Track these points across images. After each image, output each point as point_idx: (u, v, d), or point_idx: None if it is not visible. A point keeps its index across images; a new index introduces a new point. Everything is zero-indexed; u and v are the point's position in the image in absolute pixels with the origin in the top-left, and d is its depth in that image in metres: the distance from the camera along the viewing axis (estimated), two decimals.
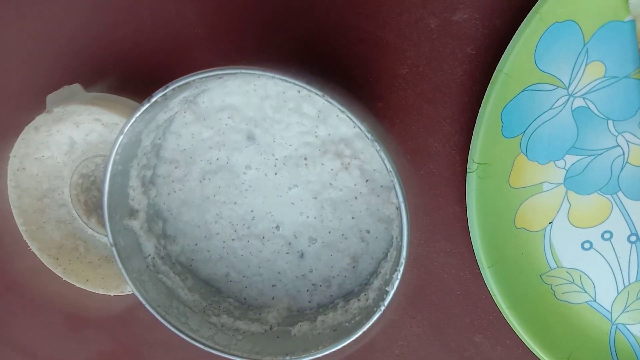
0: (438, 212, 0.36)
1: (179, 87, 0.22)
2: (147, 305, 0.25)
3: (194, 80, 0.22)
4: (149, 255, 0.27)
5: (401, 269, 0.22)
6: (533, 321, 0.34)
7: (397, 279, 0.22)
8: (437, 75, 0.33)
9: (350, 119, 0.21)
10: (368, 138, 0.21)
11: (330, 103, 0.21)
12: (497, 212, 0.33)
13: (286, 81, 0.21)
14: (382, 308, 0.23)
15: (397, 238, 0.22)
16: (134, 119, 0.22)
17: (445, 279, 0.37)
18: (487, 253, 0.33)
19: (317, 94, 0.21)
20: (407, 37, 0.33)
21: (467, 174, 0.32)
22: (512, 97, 0.31)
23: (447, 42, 0.33)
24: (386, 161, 0.21)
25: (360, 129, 0.21)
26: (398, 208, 0.21)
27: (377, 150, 0.21)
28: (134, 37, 0.32)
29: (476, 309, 0.37)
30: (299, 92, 0.25)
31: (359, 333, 0.23)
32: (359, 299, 0.26)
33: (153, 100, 0.22)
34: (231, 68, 0.21)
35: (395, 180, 0.21)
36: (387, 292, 0.23)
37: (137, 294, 0.25)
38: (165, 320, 0.25)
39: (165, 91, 0.22)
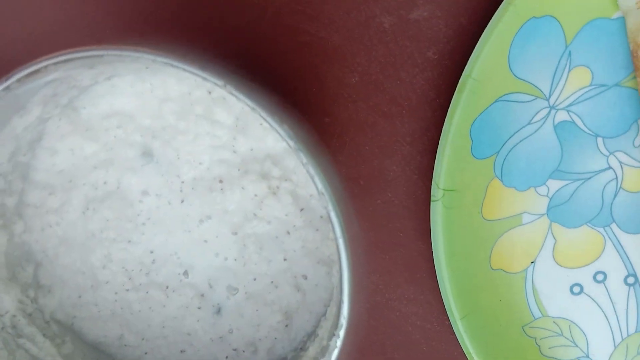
0: (399, 250, 0.30)
1: (27, 76, 0.15)
2: None
3: (46, 67, 0.15)
4: (7, 313, 0.20)
5: (341, 333, 0.16)
6: None
7: (337, 347, 0.16)
8: (394, 84, 0.28)
9: (265, 119, 0.14)
10: (290, 146, 0.15)
11: (241, 101, 0.14)
12: (469, 249, 0.28)
13: (185, 70, 0.15)
14: None
15: (337, 288, 0.16)
16: None
17: (410, 333, 0.31)
18: (458, 301, 0.27)
19: (221, 88, 0.14)
20: (357, 40, 0.28)
21: (432, 203, 0.26)
22: (483, 109, 0.26)
23: (405, 45, 0.27)
24: (316, 179, 0.15)
25: (278, 133, 0.14)
26: (337, 245, 0.15)
27: (302, 163, 0.15)
28: None
29: None
30: (209, 92, 0.19)
31: None
32: None
33: None
34: (104, 49, 0.15)
35: (330, 206, 0.15)
36: None
37: None
38: None
39: (7, 82, 0.15)
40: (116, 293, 0.21)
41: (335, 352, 0.16)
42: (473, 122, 0.26)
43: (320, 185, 0.15)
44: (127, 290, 0.21)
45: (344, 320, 0.16)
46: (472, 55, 0.25)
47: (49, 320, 0.21)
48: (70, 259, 0.21)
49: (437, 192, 0.26)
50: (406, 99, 0.28)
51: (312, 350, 0.19)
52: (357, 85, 0.28)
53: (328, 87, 0.28)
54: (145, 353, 0.22)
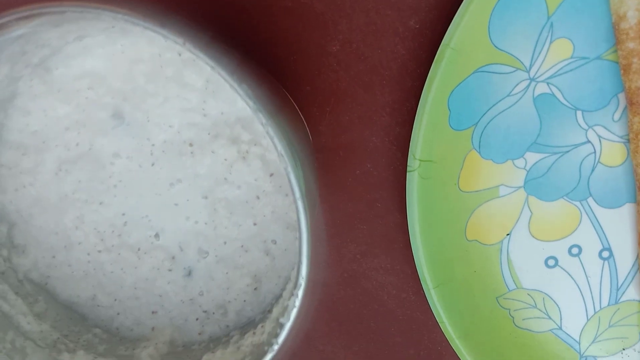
0: (377, 221, 0.30)
1: None
2: None
3: (8, 23, 0.15)
4: None
5: (299, 292, 0.16)
6: (488, 353, 0.29)
7: (295, 306, 0.16)
8: (375, 53, 0.28)
9: (223, 78, 0.14)
10: (249, 106, 0.14)
11: (200, 59, 0.14)
12: (444, 220, 0.28)
13: (145, 27, 0.15)
14: (276, 347, 0.17)
15: (298, 250, 0.16)
16: None
17: (386, 302, 0.31)
18: (432, 271, 0.28)
19: (180, 46, 0.14)
20: (339, 7, 0.27)
21: (408, 173, 0.26)
22: (462, 79, 0.26)
23: (386, 14, 0.27)
24: (275, 140, 0.15)
25: (236, 92, 0.14)
26: (296, 207, 0.15)
27: (262, 123, 0.15)
28: None
29: (422, 337, 0.31)
30: (179, 54, 0.19)
31: None
32: (254, 332, 0.20)
33: None
34: (65, 5, 0.15)
35: (289, 167, 0.15)
36: (281, 325, 0.17)
37: None
38: None
39: None
40: (89, 254, 0.22)
41: (294, 312, 0.16)
42: (451, 93, 0.26)
43: (279, 146, 0.15)
44: (100, 251, 0.22)
45: (302, 281, 0.16)
46: (451, 24, 0.25)
47: (22, 279, 0.22)
48: (43, 219, 0.21)
49: (413, 163, 0.26)
50: (387, 69, 0.28)
51: (275, 311, 0.19)
52: (338, 53, 0.28)
53: (309, 54, 0.28)
54: (118, 314, 0.22)
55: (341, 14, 0.27)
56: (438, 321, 0.28)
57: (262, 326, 0.19)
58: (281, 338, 0.17)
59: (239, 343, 0.19)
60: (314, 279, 0.16)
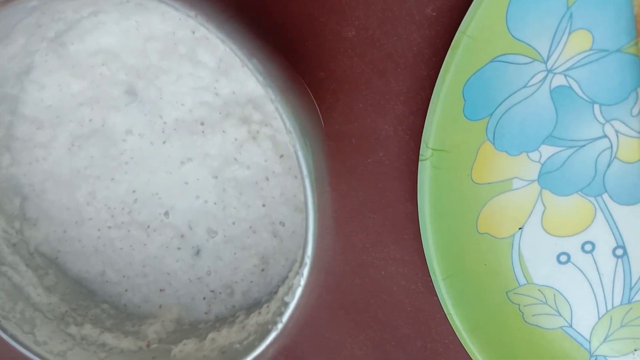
0: (388, 211, 0.30)
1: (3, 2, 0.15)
2: None
3: None
4: None
5: (305, 271, 0.16)
6: (496, 348, 0.29)
7: (300, 285, 0.16)
8: (391, 40, 0.27)
9: (234, 52, 0.14)
10: (258, 81, 0.14)
11: (212, 32, 0.14)
12: (456, 212, 0.27)
13: (165, 3, 0.15)
14: (280, 326, 0.17)
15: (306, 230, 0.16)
16: None
17: (394, 292, 0.31)
18: (442, 262, 0.27)
19: (192, 18, 0.14)
20: None
21: (420, 162, 0.26)
22: (478, 68, 0.25)
23: (404, 1, 0.27)
24: (284, 115, 0.15)
25: (246, 66, 0.14)
26: (303, 185, 0.15)
27: (271, 99, 0.15)
28: None
29: (429, 329, 0.31)
30: (193, 32, 0.19)
31: (249, 359, 0.17)
32: (259, 312, 0.20)
33: None
34: None
35: (297, 145, 0.15)
36: (286, 304, 0.17)
37: None
38: None
39: None
40: (99, 230, 0.22)
41: (299, 290, 0.16)
42: (466, 82, 0.25)
43: (288, 123, 0.15)
44: (110, 227, 0.22)
45: (307, 259, 0.16)
46: (468, 12, 0.24)
47: (33, 252, 0.22)
48: (56, 194, 0.22)
49: (425, 152, 0.26)
50: (402, 56, 0.28)
51: (281, 291, 0.19)
52: (353, 39, 0.28)
53: (324, 39, 0.28)
54: (126, 290, 0.22)
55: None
56: (446, 313, 0.28)
57: (267, 306, 0.19)
58: (285, 316, 0.17)
59: (244, 322, 0.19)
60: (319, 265, 0.16)
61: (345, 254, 0.31)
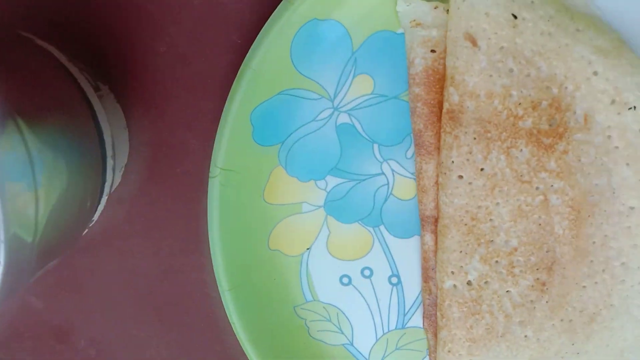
0: (193, 220, 0.31)
1: None
2: None
3: None
4: None
5: None
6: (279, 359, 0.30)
7: None
8: (200, 60, 0.29)
9: None
10: None
11: None
12: (247, 227, 0.29)
13: None
14: None
15: None
16: None
17: (196, 299, 0.32)
18: (229, 272, 0.29)
19: None
20: (169, 11, 0.28)
21: (210, 179, 0.28)
22: (264, 99, 0.27)
23: (212, 25, 0.28)
24: None
25: None
26: None
27: None
28: None
29: (227, 337, 0.33)
30: None
31: None
32: None
33: None
34: None
35: None
36: None
37: None
38: None
39: None
40: None
41: None
42: (253, 110, 0.27)
43: None
44: None
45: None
46: (252, 46, 0.26)
47: None
48: None
49: (214, 170, 0.28)
50: (210, 77, 0.29)
51: None
52: (165, 55, 0.29)
53: (137, 52, 0.29)
54: None
55: (171, 17, 0.29)
56: (230, 323, 0.30)
57: None
58: None
59: None
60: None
61: (155, 258, 0.32)
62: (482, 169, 0.25)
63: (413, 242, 0.29)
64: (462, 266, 0.26)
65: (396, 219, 0.29)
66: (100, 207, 0.28)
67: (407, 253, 0.29)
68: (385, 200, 0.29)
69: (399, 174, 0.28)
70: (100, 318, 0.33)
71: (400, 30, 0.27)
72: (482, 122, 0.24)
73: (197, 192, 0.31)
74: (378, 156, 0.28)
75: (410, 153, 0.28)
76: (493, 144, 0.25)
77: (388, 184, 0.29)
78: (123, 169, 0.30)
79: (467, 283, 0.26)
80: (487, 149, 0.25)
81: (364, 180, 0.29)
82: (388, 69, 0.27)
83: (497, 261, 0.26)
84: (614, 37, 0.25)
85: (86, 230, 0.28)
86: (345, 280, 0.30)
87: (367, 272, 0.30)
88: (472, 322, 0.26)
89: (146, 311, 0.33)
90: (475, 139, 0.25)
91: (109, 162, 0.26)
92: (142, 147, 0.30)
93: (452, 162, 0.25)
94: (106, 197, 0.28)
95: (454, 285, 0.26)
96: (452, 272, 0.26)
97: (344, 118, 0.28)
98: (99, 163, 0.24)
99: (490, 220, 0.26)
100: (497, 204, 0.25)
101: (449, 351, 0.27)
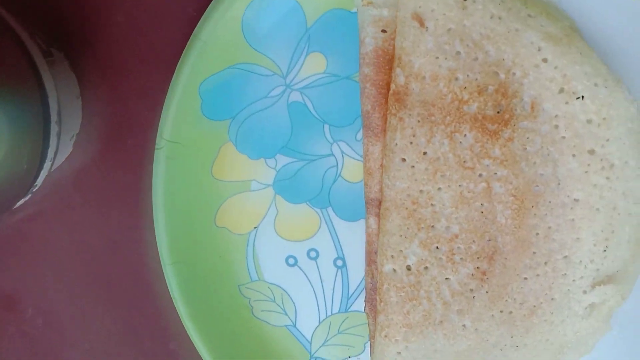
0: (145, 194, 0.31)
1: None
2: None
3: None
4: None
5: None
6: (220, 337, 0.30)
7: None
8: (155, 32, 0.29)
9: None
10: None
11: None
12: (193, 203, 0.29)
13: None
14: None
15: None
16: None
17: (145, 274, 0.32)
18: (172, 247, 0.29)
19: None
20: None
21: (155, 151, 0.27)
22: (214, 72, 0.27)
23: None
24: None
25: None
26: None
27: None
28: None
29: (173, 311, 0.32)
30: None
31: None
32: None
33: None
34: None
35: None
36: None
37: None
38: None
39: None
40: None
41: None
42: (202, 83, 0.27)
43: None
44: None
45: None
46: (202, 17, 0.26)
47: None
48: None
49: (160, 142, 0.27)
50: (164, 49, 0.29)
51: None
52: (122, 25, 0.29)
53: (95, 21, 0.29)
54: None
55: None
56: (172, 297, 0.29)
57: None
58: None
59: None
60: None
61: (104, 230, 0.32)
62: (425, 153, 0.25)
63: (359, 226, 0.29)
64: (401, 250, 0.26)
65: (344, 201, 0.29)
66: (44, 173, 0.27)
67: (353, 236, 0.29)
68: (334, 181, 0.29)
69: (348, 155, 0.28)
70: (48, 287, 0.33)
71: (355, 9, 0.26)
72: (427, 105, 0.24)
73: (148, 164, 0.31)
74: (328, 137, 0.28)
75: (360, 135, 0.28)
76: (437, 128, 0.24)
77: (337, 165, 0.28)
78: (74, 137, 0.30)
79: (407, 268, 0.26)
80: (431, 132, 0.25)
81: (313, 160, 0.29)
82: (341, 48, 0.27)
83: (437, 247, 0.26)
84: (566, 24, 0.25)
85: (29, 195, 0.27)
86: (291, 261, 0.30)
87: (313, 254, 0.30)
88: (409, 307, 0.26)
89: (93, 282, 0.33)
90: (419, 121, 0.25)
91: (54, 128, 0.26)
92: (95, 117, 0.30)
93: (396, 144, 0.25)
94: (50, 163, 0.27)
95: (394, 270, 0.26)
96: (392, 256, 0.26)
97: (295, 96, 0.28)
98: (39, 127, 0.24)
99: (432, 205, 0.25)
100: (439, 189, 0.25)
101: (386, 336, 0.27)
